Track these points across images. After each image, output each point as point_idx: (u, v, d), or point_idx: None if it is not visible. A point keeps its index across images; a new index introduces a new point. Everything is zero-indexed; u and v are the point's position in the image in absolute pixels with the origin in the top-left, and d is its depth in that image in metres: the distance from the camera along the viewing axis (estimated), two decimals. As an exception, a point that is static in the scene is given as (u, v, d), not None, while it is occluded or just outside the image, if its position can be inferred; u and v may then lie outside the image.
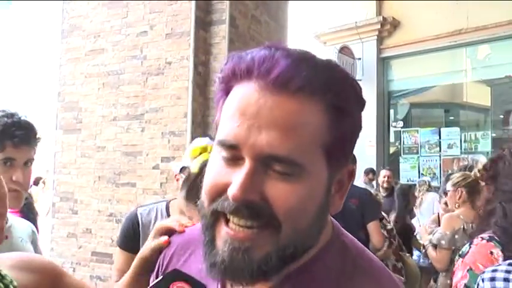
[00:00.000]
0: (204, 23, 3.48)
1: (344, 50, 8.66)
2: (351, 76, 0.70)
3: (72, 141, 4.00)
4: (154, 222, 2.20)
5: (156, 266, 0.92)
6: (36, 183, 8.22)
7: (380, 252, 3.75)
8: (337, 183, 0.71)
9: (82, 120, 4.00)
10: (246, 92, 0.65)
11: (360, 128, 0.70)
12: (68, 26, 4.12)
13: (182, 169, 2.03)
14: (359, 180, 6.88)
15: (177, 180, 2.07)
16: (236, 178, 0.63)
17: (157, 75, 3.56)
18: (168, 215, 2.07)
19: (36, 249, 1.74)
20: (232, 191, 0.62)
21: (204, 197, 0.69)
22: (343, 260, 0.73)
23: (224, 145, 0.65)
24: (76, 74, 4.06)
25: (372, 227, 3.60)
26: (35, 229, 1.83)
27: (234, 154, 0.64)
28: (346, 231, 0.80)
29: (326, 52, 9.08)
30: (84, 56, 4.00)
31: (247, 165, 0.63)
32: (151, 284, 0.73)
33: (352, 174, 0.74)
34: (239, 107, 0.64)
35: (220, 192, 0.65)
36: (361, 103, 0.70)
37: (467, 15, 7.62)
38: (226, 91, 0.68)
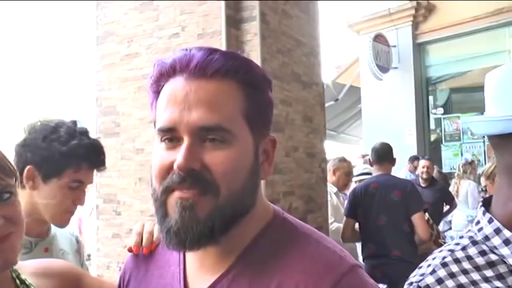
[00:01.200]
0: (234, 21, 3.48)
1: (378, 38, 8.49)
2: (253, 61, 0.84)
3: (112, 145, 4.09)
4: None
5: (118, 280, 1.03)
6: None
7: (423, 245, 3.65)
8: (263, 153, 0.85)
9: (120, 124, 4.08)
10: (173, 85, 0.78)
11: (271, 102, 0.86)
12: (102, 33, 4.22)
13: None
14: (403, 170, 6.72)
15: None
16: (179, 153, 0.75)
17: (191, 76, 3.58)
18: None
19: (80, 259, 1.76)
20: (177, 162, 0.74)
21: (154, 182, 0.80)
22: (285, 231, 0.85)
23: (163, 130, 0.77)
24: (112, 78, 4.14)
25: (417, 218, 3.53)
26: (79, 236, 1.84)
27: (172, 136, 0.77)
28: (286, 212, 0.91)
29: (360, 41, 8.92)
30: (119, 61, 4.08)
31: (185, 140, 0.75)
32: None
33: (274, 144, 0.87)
34: (170, 98, 0.78)
35: (167, 171, 0.77)
36: (268, 80, 0.85)
37: (507, -6, 7.31)
38: (157, 91, 0.82)
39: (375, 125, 8.64)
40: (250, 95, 0.80)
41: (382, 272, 3.48)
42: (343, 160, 4.56)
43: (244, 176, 0.78)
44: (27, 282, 1.06)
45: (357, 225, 3.86)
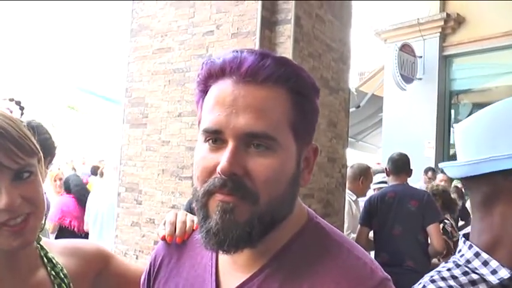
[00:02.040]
0: (269, 23, 3.53)
1: (405, 48, 8.46)
2: (303, 69, 0.84)
3: (138, 135, 4.18)
4: None
5: (148, 266, 1.04)
6: (95, 173, 8.46)
7: (437, 262, 3.64)
8: (304, 160, 0.85)
9: (148, 115, 4.16)
10: (222, 87, 0.79)
11: (317, 111, 0.86)
12: (136, 26, 4.30)
13: None
14: (419, 182, 6.70)
15: None
16: (223, 156, 0.75)
17: (222, 74, 3.64)
18: None
19: None
20: (220, 166, 0.75)
21: (196, 182, 0.81)
22: (319, 236, 0.86)
23: (209, 131, 0.78)
24: (143, 71, 4.22)
25: (432, 229, 3.52)
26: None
27: (217, 138, 0.78)
28: (318, 216, 0.92)
29: (386, 50, 8.90)
30: (152, 54, 4.16)
31: (230, 144, 0.76)
32: None
33: (316, 152, 0.88)
34: (218, 100, 0.78)
35: (210, 173, 0.78)
36: (316, 89, 0.85)
37: (539, 12, 7.22)
38: (205, 91, 0.83)
39: (394, 135, 8.61)
40: (298, 103, 0.81)
41: (393, 281, 3.49)
42: (368, 168, 4.56)
43: (284, 184, 0.79)
44: (54, 261, 1.08)
45: (371, 233, 3.87)
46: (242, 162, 0.76)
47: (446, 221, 3.77)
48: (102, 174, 8.11)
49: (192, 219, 1.05)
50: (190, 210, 2.59)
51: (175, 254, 0.99)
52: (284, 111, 0.79)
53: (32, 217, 0.96)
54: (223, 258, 0.89)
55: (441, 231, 3.71)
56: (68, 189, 4.76)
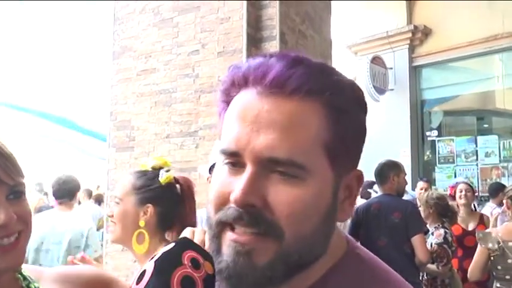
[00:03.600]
0: (255, 40, 3.57)
1: (376, 60, 8.67)
2: (350, 79, 0.71)
3: (125, 159, 4.11)
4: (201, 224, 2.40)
5: None
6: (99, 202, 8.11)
7: (436, 270, 3.68)
8: (345, 189, 0.70)
9: (135, 138, 4.11)
10: (244, 99, 0.66)
11: (364, 130, 0.71)
12: (119, 48, 4.27)
13: (211, 168, 2.15)
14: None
15: (210, 182, 2.20)
16: (238, 183, 0.63)
17: (210, 93, 3.64)
18: None
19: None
20: (234, 195, 0.63)
21: (210, 206, 0.69)
22: (360, 272, 0.72)
23: (226, 153, 0.66)
24: (128, 93, 4.18)
25: (417, 240, 3.52)
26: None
27: (236, 161, 0.65)
28: (359, 245, 0.79)
29: (358, 63, 9.10)
30: (136, 76, 4.13)
31: (248, 169, 0.64)
32: (161, 252, 0.72)
33: (360, 179, 0.73)
34: (239, 114, 0.66)
35: (225, 201, 0.66)
36: (362, 105, 0.71)
37: (502, 20, 7.55)
38: (227, 102, 0.70)
39: (370, 145, 8.56)
40: (336, 121, 0.66)
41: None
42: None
43: (316, 220, 0.65)
44: None
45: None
46: (262, 192, 0.63)
47: (446, 230, 3.81)
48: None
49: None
50: None
51: None
52: (317, 131, 0.65)
53: (23, 236, 0.96)
54: None
55: (439, 240, 3.74)
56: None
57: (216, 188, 0.68)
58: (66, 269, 1.21)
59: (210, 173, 2.20)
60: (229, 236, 0.65)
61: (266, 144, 0.62)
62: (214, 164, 2.12)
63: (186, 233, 0.94)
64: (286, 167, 0.63)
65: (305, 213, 0.64)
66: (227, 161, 0.67)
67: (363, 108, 0.71)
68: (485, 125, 8.88)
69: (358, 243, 0.79)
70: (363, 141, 0.72)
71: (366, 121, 0.72)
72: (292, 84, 0.63)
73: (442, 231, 3.78)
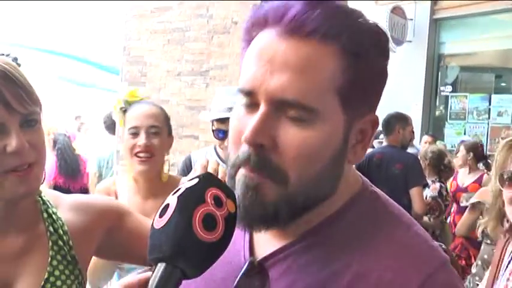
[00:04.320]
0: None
1: (396, 10, 8.46)
2: (375, 23, 0.69)
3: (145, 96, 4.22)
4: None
5: None
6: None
7: (428, 222, 3.81)
8: (359, 133, 0.71)
9: (147, 74, 4.20)
10: (263, 39, 0.67)
11: (383, 77, 0.71)
12: (134, -17, 4.26)
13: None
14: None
15: (213, 126, 2.45)
16: (250, 122, 0.65)
17: (223, 34, 3.68)
18: (218, 156, 2.49)
19: None
20: (244, 134, 0.65)
21: (230, 145, 0.72)
22: (375, 207, 0.75)
23: (242, 92, 0.68)
24: (141, 30, 4.23)
25: (414, 192, 3.63)
26: None
27: (251, 100, 0.67)
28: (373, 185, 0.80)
29: (377, 11, 8.89)
30: (150, 13, 4.15)
31: (261, 109, 0.65)
32: (185, 187, 0.71)
33: (375, 124, 0.73)
34: (256, 54, 0.67)
35: (240, 139, 0.67)
36: (383, 49, 0.70)
37: (530, -23, 7.27)
38: (249, 41, 0.70)
39: (383, 97, 8.71)
40: (352, 65, 0.65)
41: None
42: None
43: (323, 163, 0.67)
44: (54, 217, 1.07)
45: None
46: (272, 132, 0.65)
47: (442, 184, 3.91)
48: (80, 130, 8.07)
49: (224, 171, 0.98)
50: (186, 167, 2.74)
51: None
52: (331, 74, 0.65)
53: (36, 166, 0.97)
54: None
55: (433, 193, 3.87)
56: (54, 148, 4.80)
57: (233, 126, 0.71)
58: (82, 197, 1.23)
59: (212, 122, 2.37)
60: (241, 172, 0.68)
61: (278, 85, 0.63)
62: (220, 118, 2.25)
63: (202, 161, 0.97)
64: (296, 110, 0.64)
65: (311, 156, 0.65)
66: (244, 101, 0.69)
67: (383, 53, 0.70)
68: (503, 84, 8.74)
69: (372, 184, 0.81)
70: (382, 87, 0.72)
71: (387, 66, 0.72)
72: (310, 25, 0.63)
73: (438, 185, 3.90)
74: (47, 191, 1.12)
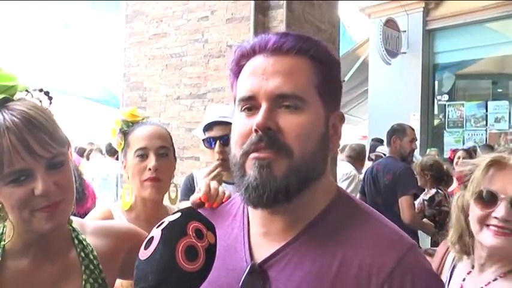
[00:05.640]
0: (262, 8, 3.68)
1: (389, 23, 8.60)
2: (327, 45, 0.94)
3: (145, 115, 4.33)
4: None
5: None
6: (81, 155, 8.43)
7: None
8: (332, 127, 0.92)
9: (147, 99, 4.31)
10: (254, 62, 0.89)
11: (339, 82, 0.96)
12: (131, 12, 4.41)
13: (205, 127, 2.30)
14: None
15: (205, 142, 2.39)
16: (258, 115, 0.84)
17: (219, 58, 3.80)
18: None
19: None
20: (256, 121, 0.83)
21: (234, 149, 0.89)
22: (351, 208, 0.92)
23: (244, 99, 0.88)
24: (140, 56, 4.36)
25: (402, 201, 3.68)
26: None
27: (252, 104, 0.87)
28: (347, 191, 1.00)
29: (370, 25, 9.05)
30: (148, 39, 4.28)
31: (263, 105, 0.85)
32: (168, 221, 0.79)
33: (342, 120, 0.95)
34: (251, 72, 0.88)
35: (247, 136, 0.86)
36: (336, 62, 0.95)
37: (518, -16, 7.41)
38: (238, 72, 0.92)
39: (380, 108, 8.84)
40: (321, 70, 0.89)
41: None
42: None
43: (315, 142, 0.86)
44: (84, 243, 1.13)
45: None
46: (275, 120, 0.84)
47: (439, 191, 3.94)
48: (88, 158, 8.20)
49: (224, 191, 1.10)
50: (189, 186, 2.80)
51: None
52: (309, 76, 0.87)
53: (64, 203, 1.01)
54: (255, 230, 0.94)
55: (425, 197, 3.91)
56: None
57: (237, 129, 0.89)
58: (102, 223, 1.29)
59: (204, 132, 2.32)
60: (252, 156, 0.85)
61: (275, 85, 0.85)
62: (208, 123, 2.28)
63: (203, 181, 1.11)
64: (291, 100, 0.85)
65: (307, 134, 0.85)
66: (245, 107, 0.88)
67: (337, 64, 0.96)
68: (499, 90, 8.82)
69: (345, 190, 1.00)
70: (340, 90, 0.96)
71: (340, 75, 0.96)
72: (287, 45, 0.88)
73: (433, 191, 3.93)
74: (73, 218, 1.16)
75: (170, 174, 1.74)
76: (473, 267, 1.39)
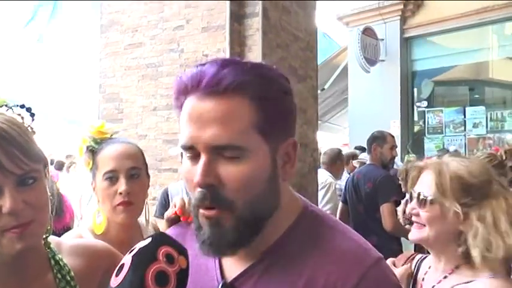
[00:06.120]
0: (238, 16, 3.65)
1: (367, 32, 8.68)
2: (275, 69, 0.89)
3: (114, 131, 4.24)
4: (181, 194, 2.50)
5: None
6: (59, 168, 8.26)
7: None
8: (284, 155, 0.87)
9: (123, 111, 4.23)
10: (189, 104, 0.83)
11: (291, 108, 0.88)
12: (106, 21, 4.34)
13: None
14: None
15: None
16: (197, 169, 0.81)
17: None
18: None
19: None
20: (196, 180, 0.80)
21: (188, 191, 0.88)
22: (314, 225, 0.91)
23: (185, 148, 0.84)
24: (116, 67, 4.28)
25: (384, 209, 3.66)
26: None
27: (193, 153, 0.83)
28: (312, 204, 0.97)
29: (349, 34, 9.12)
30: (123, 49, 4.22)
31: (202, 157, 0.81)
32: (139, 247, 0.79)
33: (295, 146, 0.89)
34: (187, 117, 0.83)
35: (193, 186, 0.83)
36: (285, 90, 0.87)
37: (494, -8, 7.55)
38: (180, 107, 0.86)
39: (360, 116, 8.89)
40: (262, 108, 0.82)
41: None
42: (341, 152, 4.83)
43: (260, 186, 0.83)
44: (61, 263, 1.08)
45: None
46: (215, 172, 0.81)
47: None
48: (68, 170, 8.04)
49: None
50: (165, 199, 2.73)
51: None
52: (248, 118, 0.81)
53: (34, 224, 0.95)
54: None
55: (396, 210, 3.87)
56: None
57: (184, 176, 0.87)
58: (78, 241, 1.25)
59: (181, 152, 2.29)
60: (202, 214, 0.84)
61: (210, 136, 0.80)
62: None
63: (177, 198, 1.12)
64: (229, 151, 0.81)
65: (249, 183, 0.82)
66: (187, 154, 0.85)
67: (287, 92, 0.88)
68: (477, 96, 8.95)
69: (311, 203, 0.97)
70: (294, 116, 0.90)
71: (293, 99, 0.89)
72: (223, 84, 0.80)
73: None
74: (50, 238, 1.11)
75: (143, 196, 1.64)
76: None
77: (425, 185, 1.42)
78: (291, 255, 0.87)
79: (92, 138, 1.64)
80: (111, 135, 1.69)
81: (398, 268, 1.56)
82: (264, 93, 0.83)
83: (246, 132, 0.81)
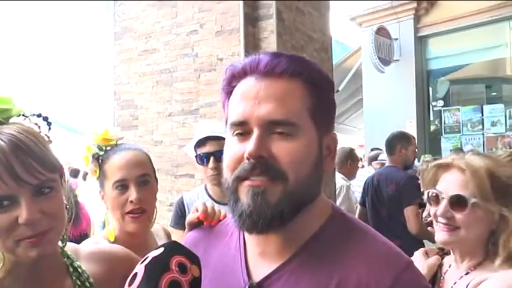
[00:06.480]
0: (252, 19, 3.62)
1: (380, 31, 8.59)
2: (317, 65, 0.93)
3: (130, 137, 4.23)
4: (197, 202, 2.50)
5: None
6: (75, 176, 8.36)
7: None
8: (326, 148, 0.91)
9: (138, 117, 4.22)
10: (245, 84, 0.87)
11: (334, 104, 0.93)
12: (119, 29, 4.34)
13: (197, 144, 2.22)
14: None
15: (197, 159, 2.27)
16: (249, 143, 0.82)
17: (210, 72, 3.73)
18: (208, 194, 2.30)
19: None
20: (248, 150, 0.82)
21: (226, 173, 0.88)
22: (344, 227, 0.91)
23: (235, 124, 0.86)
24: (130, 73, 4.28)
25: (408, 212, 3.58)
26: None
27: (244, 129, 0.85)
28: (341, 208, 0.99)
29: (362, 34, 9.04)
30: (137, 56, 4.21)
31: (255, 132, 0.83)
32: (151, 256, 0.79)
33: (335, 141, 0.94)
34: (242, 95, 0.86)
35: (239, 161, 0.84)
36: (330, 83, 0.93)
37: (508, -12, 7.42)
38: (230, 92, 0.90)
39: (376, 117, 8.80)
40: (314, 93, 0.87)
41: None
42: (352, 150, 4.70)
43: (309, 166, 0.85)
44: (79, 270, 1.08)
45: None
46: (267, 147, 0.82)
47: None
48: (85, 178, 8.06)
49: (220, 209, 1.11)
50: (181, 209, 2.70)
51: (202, 245, 1.01)
52: (302, 100, 0.85)
53: (52, 231, 0.95)
54: (251, 249, 0.93)
55: (420, 212, 3.79)
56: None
57: (230, 154, 0.87)
58: (97, 247, 1.24)
59: (195, 149, 2.24)
60: (245, 184, 0.84)
61: (267, 111, 0.83)
62: (200, 139, 2.20)
63: (199, 202, 1.13)
64: (283, 127, 0.83)
65: (301, 160, 0.84)
66: (236, 132, 0.86)
67: (331, 85, 0.94)
68: (494, 93, 8.79)
69: (340, 208, 0.99)
70: (334, 112, 0.94)
71: (334, 97, 0.94)
72: (280, 68, 0.85)
73: None
74: (67, 245, 1.10)
75: (154, 202, 1.62)
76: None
77: (457, 185, 1.38)
78: (321, 255, 0.87)
79: (96, 145, 1.61)
80: (117, 142, 1.65)
81: (430, 258, 1.55)
82: (318, 81, 0.89)
83: (301, 112, 0.85)
